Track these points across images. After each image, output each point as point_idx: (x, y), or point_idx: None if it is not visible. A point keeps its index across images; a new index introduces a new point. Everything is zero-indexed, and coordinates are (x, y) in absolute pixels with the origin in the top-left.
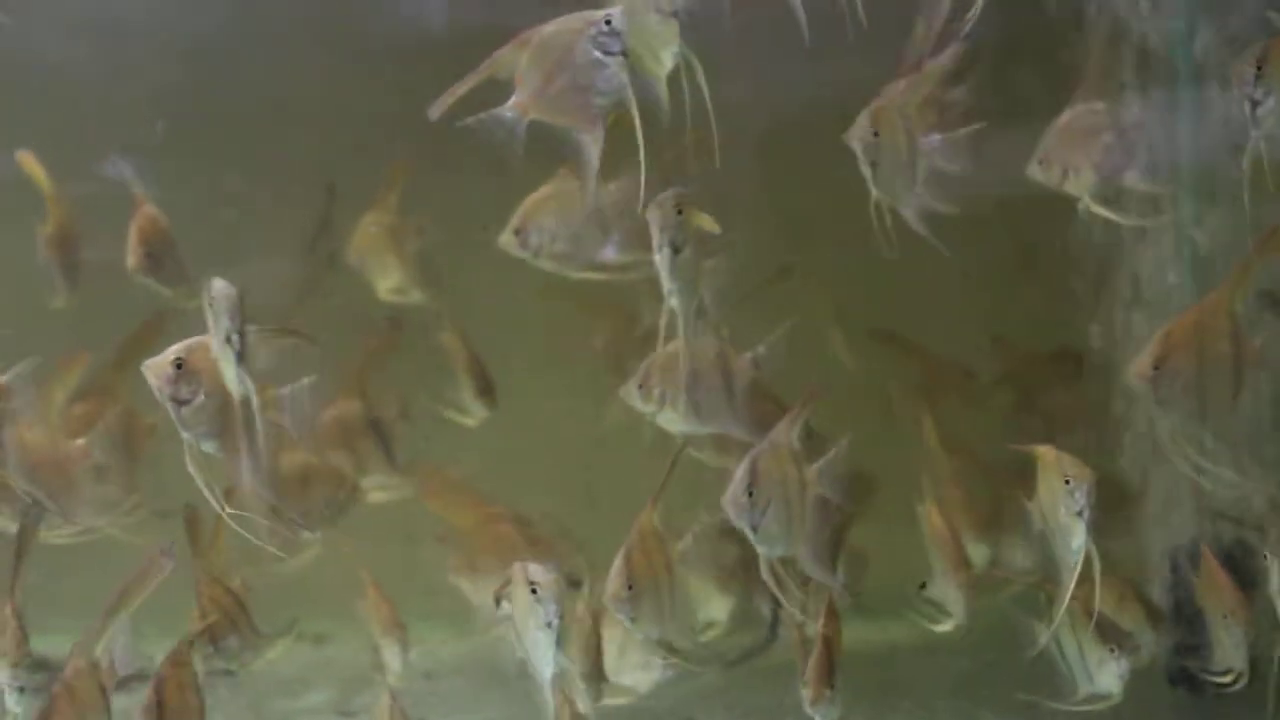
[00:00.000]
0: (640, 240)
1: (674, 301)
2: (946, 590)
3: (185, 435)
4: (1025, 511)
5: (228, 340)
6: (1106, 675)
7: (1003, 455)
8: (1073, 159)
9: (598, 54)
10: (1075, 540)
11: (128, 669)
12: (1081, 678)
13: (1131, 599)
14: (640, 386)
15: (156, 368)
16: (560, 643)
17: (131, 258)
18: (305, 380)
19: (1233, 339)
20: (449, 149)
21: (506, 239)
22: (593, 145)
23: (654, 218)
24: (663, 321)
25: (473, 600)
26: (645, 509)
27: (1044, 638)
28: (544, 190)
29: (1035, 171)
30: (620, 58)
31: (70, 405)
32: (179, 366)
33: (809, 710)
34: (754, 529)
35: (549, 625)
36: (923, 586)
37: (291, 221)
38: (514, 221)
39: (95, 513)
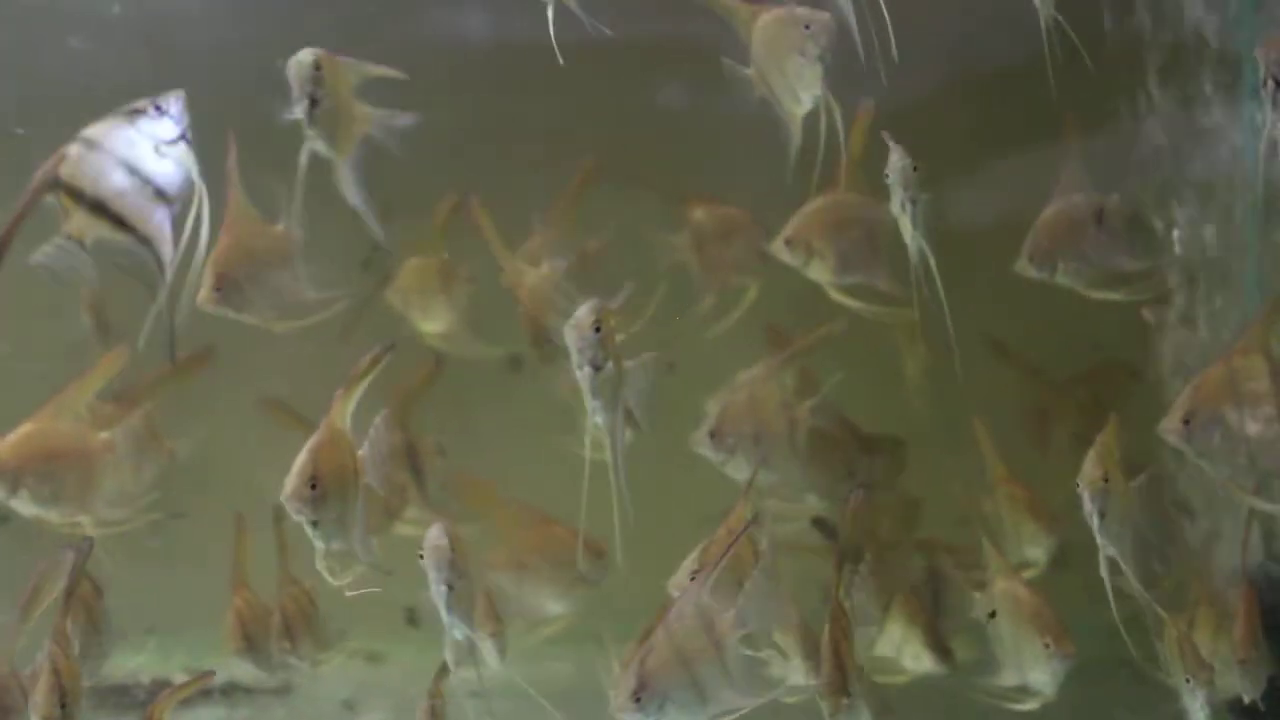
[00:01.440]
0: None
1: (598, 419)
2: (1037, 665)
3: (318, 544)
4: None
5: (183, 139)
6: (1193, 703)
7: None
8: (1062, 252)
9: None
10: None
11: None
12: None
13: (1227, 627)
14: (712, 435)
15: (295, 492)
16: (453, 607)
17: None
18: (376, 430)
19: (1272, 377)
20: (508, 166)
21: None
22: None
23: (572, 338)
24: (587, 440)
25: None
26: (736, 506)
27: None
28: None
29: (1026, 268)
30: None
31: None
32: (314, 488)
33: None
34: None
35: (449, 588)
36: (992, 615)
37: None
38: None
39: (111, 506)
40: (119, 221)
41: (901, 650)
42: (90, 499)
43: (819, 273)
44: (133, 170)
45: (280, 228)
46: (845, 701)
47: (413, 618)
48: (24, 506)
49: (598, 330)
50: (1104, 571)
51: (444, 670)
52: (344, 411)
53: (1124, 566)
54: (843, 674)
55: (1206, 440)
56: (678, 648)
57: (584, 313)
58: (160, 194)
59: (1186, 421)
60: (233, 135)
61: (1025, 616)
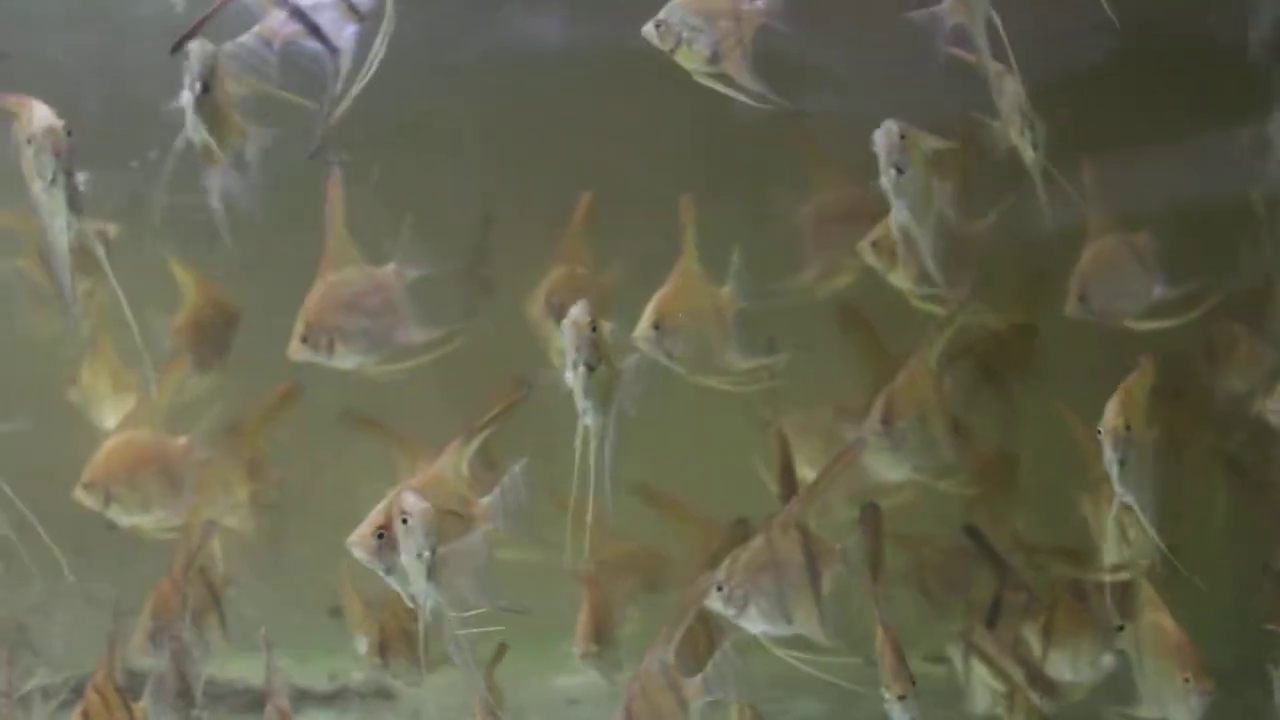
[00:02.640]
0: None
1: (588, 419)
2: (1176, 699)
3: (396, 589)
4: None
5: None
6: None
7: None
8: (1110, 291)
9: None
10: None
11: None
12: None
13: None
14: (884, 421)
15: (359, 540)
16: (433, 575)
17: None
18: (512, 478)
19: None
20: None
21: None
22: None
23: (569, 336)
24: (578, 441)
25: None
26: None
27: None
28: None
29: (1077, 310)
30: None
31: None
32: (381, 537)
33: (900, 710)
34: None
35: (419, 556)
36: (1121, 629)
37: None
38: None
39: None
40: (314, 30)
41: (1075, 664)
42: (177, 503)
43: (901, 280)
44: None
45: (387, 269)
46: (912, 688)
47: (335, 612)
48: (119, 517)
49: (594, 330)
50: (1110, 521)
51: (496, 658)
52: (458, 460)
53: (1141, 518)
54: (906, 664)
55: None
56: (653, 708)
57: (579, 311)
58: (353, 10)
59: None
60: (336, 174)
61: (1167, 650)
